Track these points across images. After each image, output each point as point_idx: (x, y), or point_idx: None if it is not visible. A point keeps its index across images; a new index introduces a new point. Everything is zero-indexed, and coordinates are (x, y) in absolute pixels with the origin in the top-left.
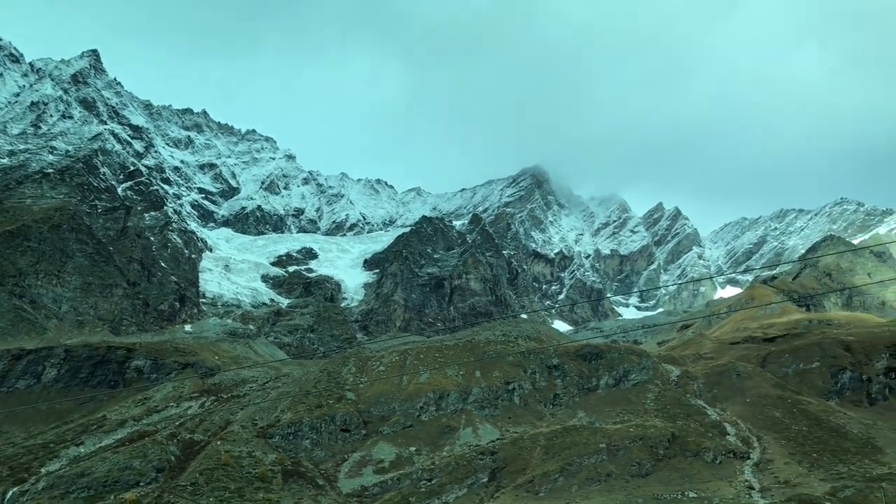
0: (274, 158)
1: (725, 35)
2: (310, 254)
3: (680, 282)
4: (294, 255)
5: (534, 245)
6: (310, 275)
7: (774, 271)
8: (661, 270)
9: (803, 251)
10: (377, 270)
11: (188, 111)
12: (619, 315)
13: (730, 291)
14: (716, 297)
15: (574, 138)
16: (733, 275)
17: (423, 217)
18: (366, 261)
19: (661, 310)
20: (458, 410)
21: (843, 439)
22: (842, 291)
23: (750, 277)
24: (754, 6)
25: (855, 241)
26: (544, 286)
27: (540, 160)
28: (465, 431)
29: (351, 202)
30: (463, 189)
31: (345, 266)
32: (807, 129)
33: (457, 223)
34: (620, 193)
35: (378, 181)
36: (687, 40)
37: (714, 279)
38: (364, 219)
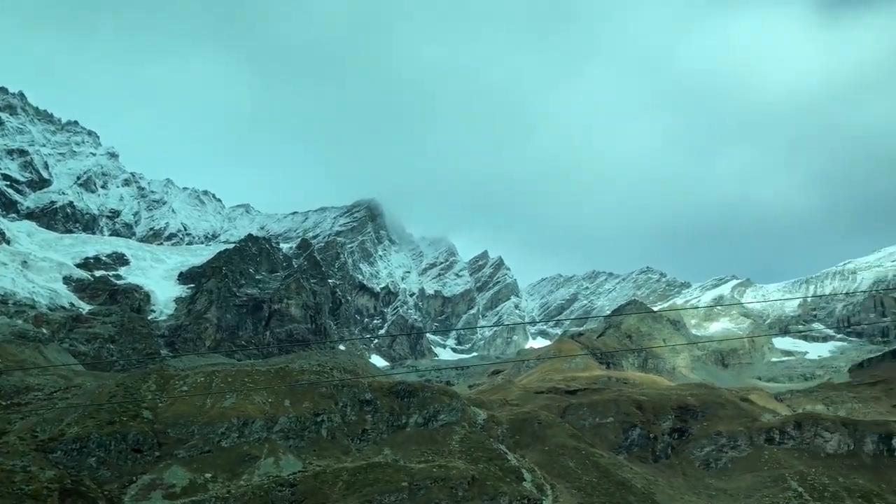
0: (94, 154)
1: (565, 100)
2: (121, 259)
3: (495, 325)
4: (103, 258)
5: (361, 277)
6: (118, 282)
7: (582, 328)
8: (480, 316)
9: (609, 312)
10: (192, 285)
11: (2, 90)
12: (436, 355)
13: (540, 343)
14: (527, 346)
15: (413, 177)
16: (545, 327)
17: (250, 235)
18: (181, 274)
19: (475, 354)
20: (261, 439)
21: (628, 493)
22: (639, 353)
23: (559, 331)
24: (593, 78)
25: (655, 308)
26: (366, 319)
27: (377, 194)
28: (266, 461)
29: (173, 210)
30: (295, 212)
31: (157, 277)
32: (626, 198)
33: (284, 246)
34: (450, 237)
35: (205, 192)
36: (530, 98)
37: (527, 329)
38: (185, 229)
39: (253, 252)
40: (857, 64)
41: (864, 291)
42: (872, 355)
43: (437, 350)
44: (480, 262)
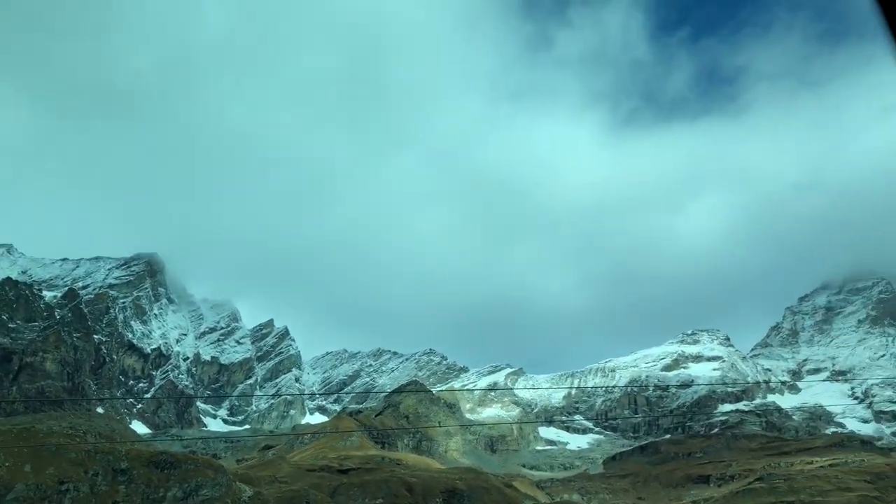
0: None
1: (370, 180)
2: None
3: (273, 396)
4: None
5: (131, 336)
6: None
7: (361, 405)
8: (258, 387)
9: (390, 391)
10: None
11: None
12: (205, 426)
13: (318, 419)
14: (304, 421)
15: (202, 236)
16: (324, 403)
17: (7, 279)
18: None
19: (248, 427)
20: None
21: None
22: (414, 434)
23: (339, 408)
24: (400, 164)
25: (434, 391)
26: (131, 382)
27: (160, 248)
28: None
29: None
30: (66, 259)
31: None
32: (418, 280)
33: (48, 294)
34: (235, 302)
35: None
36: (337, 174)
37: (305, 404)
38: None
39: (9, 297)
40: (634, 181)
41: (622, 388)
42: (624, 449)
43: (207, 420)
44: (265, 331)
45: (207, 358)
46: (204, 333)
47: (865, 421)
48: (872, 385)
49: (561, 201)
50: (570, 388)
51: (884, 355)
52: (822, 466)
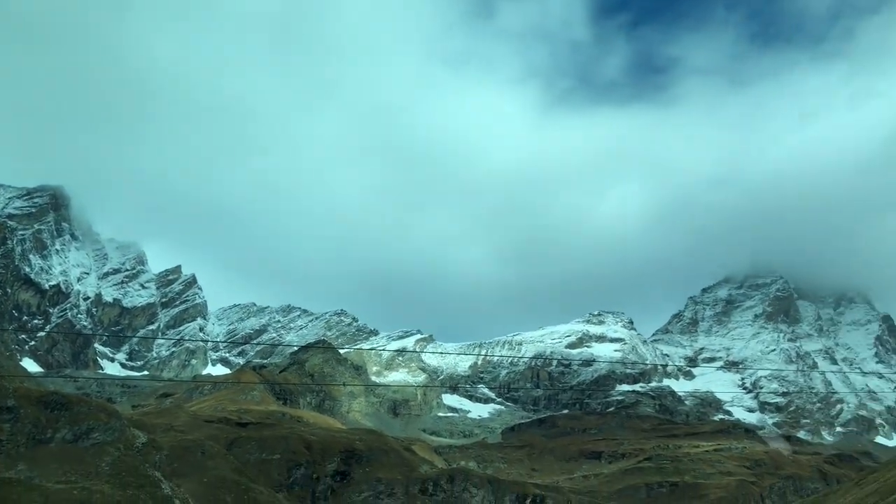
0: None
1: (297, 133)
2: None
3: (177, 339)
4: None
5: (28, 270)
6: None
7: (266, 361)
8: (160, 333)
9: (297, 349)
10: None
11: None
12: (102, 368)
13: (220, 371)
14: (205, 372)
15: (113, 173)
16: (228, 355)
17: None
18: None
19: (146, 373)
20: None
21: None
22: (318, 393)
23: (242, 361)
24: (328, 118)
25: (342, 352)
26: (25, 317)
27: (67, 182)
28: None
29: None
30: None
31: None
32: (333, 238)
33: None
34: (142, 244)
35: None
36: (263, 123)
37: (208, 355)
38: None
39: None
40: (558, 159)
41: (526, 361)
42: (523, 421)
43: (105, 363)
44: (171, 277)
45: (109, 300)
46: (107, 274)
47: (751, 410)
48: (761, 377)
49: (484, 172)
50: (477, 356)
51: (774, 350)
52: (707, 451)
